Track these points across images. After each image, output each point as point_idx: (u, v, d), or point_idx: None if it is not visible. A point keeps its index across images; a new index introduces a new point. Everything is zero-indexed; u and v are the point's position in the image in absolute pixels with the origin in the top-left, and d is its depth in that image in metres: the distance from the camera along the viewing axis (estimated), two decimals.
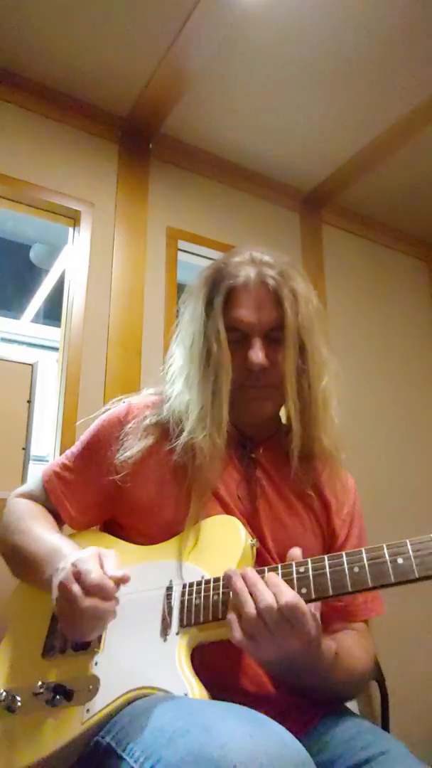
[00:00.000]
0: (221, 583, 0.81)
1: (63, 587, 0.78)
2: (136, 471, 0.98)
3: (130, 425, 1.01)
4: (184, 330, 1.04)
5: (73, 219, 2.14)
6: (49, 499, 1.05)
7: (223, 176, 2.50)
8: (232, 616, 0.75)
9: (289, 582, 0.76)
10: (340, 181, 2.60)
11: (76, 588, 0.77)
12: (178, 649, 0.79)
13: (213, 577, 0.83)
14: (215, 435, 0.94)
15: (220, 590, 0.80)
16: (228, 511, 0.95)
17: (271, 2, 1.80)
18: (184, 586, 0.85)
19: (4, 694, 0.86)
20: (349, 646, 0.90)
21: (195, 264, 2.40)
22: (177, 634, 0.81)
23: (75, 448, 1.08)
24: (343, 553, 0.76)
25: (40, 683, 0.84)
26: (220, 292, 0.98)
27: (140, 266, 2.18)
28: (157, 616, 0.84)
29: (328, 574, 0.76)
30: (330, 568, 0.76)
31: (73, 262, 2.10)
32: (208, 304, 0.99)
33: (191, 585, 0.84)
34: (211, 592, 0.81)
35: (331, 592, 0.75)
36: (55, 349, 2.18)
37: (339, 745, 0.83)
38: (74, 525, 1.05)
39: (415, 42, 1.94)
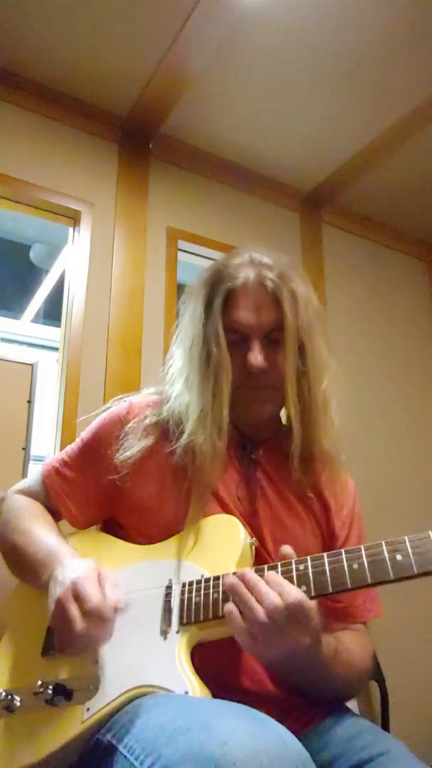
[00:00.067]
0: (221, 581, 0.81)
1: (60, 606, 0.79)
2: (135, 471, 0.98)
3: (130, 425, 1.01)
4: (184, 331, 1.04)
5: (73, 219, 2.15)
6: (49, 495, 1.05)
7: (223, 176, 2.51)
8: (239, 623, 0.75)
9: (289, 580, 0.77)
10: (340, 181, 2.61)
11: (74, 611, 0.78)
12: (178, 647, 0.79)
13: (213, 576, 0.83)
14: (215, 437, 0.94)
15: (220, 588, 0.81)
16: (228, 511, 0.95)
17: (271, 2, 1.80)
18: (183, 585, 0.85)
19: (3, 694, 0.86)
20: (349, 643, 0.91)
21: (195, 264, 2.41)
22: (177, 632, 0.81)
23: (75, 445, 1.08)
24: (342, 551, 0.77)
25: (39, 683, 0.84)
26: (220, 293, 0.99)
27: (140, 266, 2.18)
28: (157, 614, 0.84)
29: (328, 572, 0.76)
30: (329, 565, 0.76)
31: (73, 262, 2.10)
32: (208, 306, 1.00)
33: (191, 584, 0.84)
34: (211, 591, 0.81)
35: (330, 590, 0.75)
36: (55, 349, 2.18)
37: (339, 744, 0.83)
38: (75, 523, 1.05)
39: (415, 42, 1.94)
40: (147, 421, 1.01)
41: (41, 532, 0.98)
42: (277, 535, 0.96)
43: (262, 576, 0.77)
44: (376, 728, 0.87)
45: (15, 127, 2.07)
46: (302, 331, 0.98)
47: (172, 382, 1.03)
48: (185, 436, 0.95)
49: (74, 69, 2.05)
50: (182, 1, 1.79)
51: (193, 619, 0.81)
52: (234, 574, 0.79)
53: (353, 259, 2.85)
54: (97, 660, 0.83)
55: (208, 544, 0.89)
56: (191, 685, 0.74)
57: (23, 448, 1.70)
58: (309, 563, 0.78)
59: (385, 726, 1.90)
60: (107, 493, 1.00)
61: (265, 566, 0.81)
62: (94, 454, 1.03)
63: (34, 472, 1.11)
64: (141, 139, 2.31)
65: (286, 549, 0.81)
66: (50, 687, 0.82)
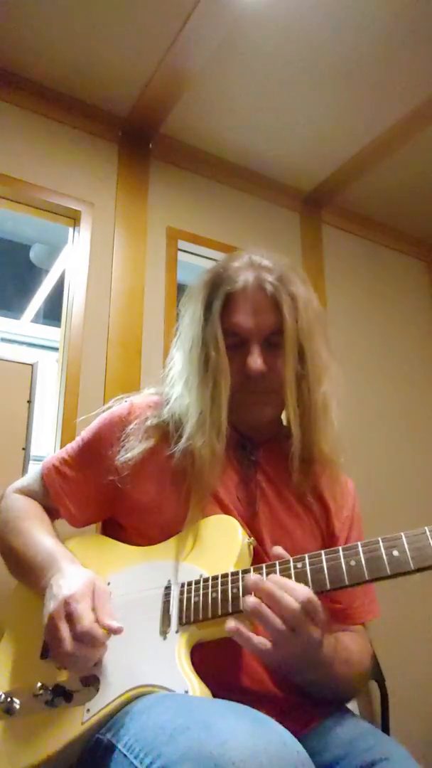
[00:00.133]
0: (219, 581, 0.81)
1: (52, 623, 0.79)
2: (136, 472, 0.98)
3: (131, 426, 1.01)
4: (184, 334, 1.04)
5: (73, 219, 2.14)
6: (48, 494, 1.05)
7: (223, 176, 2.50)
8: (250, 639, 0.74)
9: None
10: (340, 181, 2.60)
11: (64, 631, 0.78)
12: (177, 647, 0.79)
13: (211, 575, 0.83)
14: (214, 440, 0.94)
15: (219, 588, 0.81)
16: (227, 513, 0.95)
17: (271, 2, 1.80)
18: (182, 585, 0.85)
19: (3, 696, 0.86)
20: (348, 642, 0.91)
21: (195, 264, 2.40)
22: (176, 632, 0.81)
23: (75, 445, 1.08)
24: (340, 548, 0.77)
25: (39, 684, 0.84)
26: (219, 297, 0.99)
27: (140, 266, 2.18)
28: (156, 615, 0.84)
29: (326, 569, 0.76)
30: (327, 562, 0.77)
31: (73, 262, 2.10)
32: (207, 309, 1.00)
33: (190, 584, 0.84)
34: (210, 590, 0.81)
35: (328, 587, 0.76)
36: (55, 349, 2.18)
37: (340, 746, 0.83)
38: (73, 522, 1.05)
39: (415, 42, 1.94)
40: (148, 423, 1.01)
41: (39, 535, 0.98)
42: (277, 537, 0.96)
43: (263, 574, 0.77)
44: (376, 731, 0.88)
45: (15, 127, 2.07)
46: (302, 334, 0.98)
47: (172, 384, 1.03)
48: (184, 439, 0.95)
49: (74, 69, 2.05)
50: (182, 1, 1.78)
51: (192, 619, 0.81)
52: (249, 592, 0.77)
53: (353, 259, 2.85)
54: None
55: (207, 544, 0.89)
56: (191, 684, 0.74)
57: (23, 448, 1.70)
58: (307, 561, 0.78)
59: (385, 726, 1.90)
60: (107, 493, 1.00)
61: (263, 565, 0.81)
62: (94, 454, 1.03)
63: (33, 471, 1.11)
64: (141, 139, 2.31)
65: (278, 549, 0.81)
66: (50, 689, 0.82)
